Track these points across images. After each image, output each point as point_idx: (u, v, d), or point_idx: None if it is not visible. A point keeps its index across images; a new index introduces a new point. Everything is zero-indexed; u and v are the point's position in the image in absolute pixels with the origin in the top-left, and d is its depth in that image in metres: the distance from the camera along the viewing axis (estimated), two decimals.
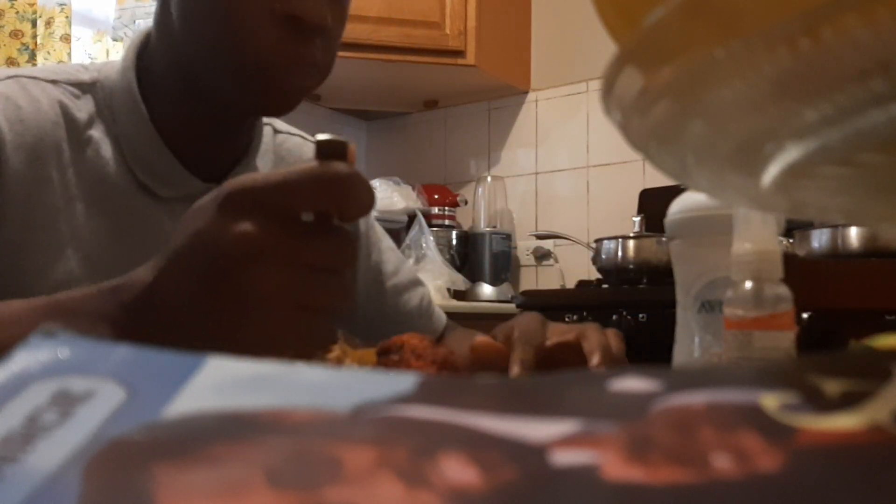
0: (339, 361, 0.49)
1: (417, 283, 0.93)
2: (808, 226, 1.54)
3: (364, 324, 0.89)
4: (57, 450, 0.17)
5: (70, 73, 0.71)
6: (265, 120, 0.82)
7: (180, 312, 0.41)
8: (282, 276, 0.40)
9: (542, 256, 2.60)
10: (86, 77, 0.71)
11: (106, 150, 0.69)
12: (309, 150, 0.85)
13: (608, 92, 0.21)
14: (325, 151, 0.42)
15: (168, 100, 0.70)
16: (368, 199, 0.42)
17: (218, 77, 0.67)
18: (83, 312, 0.43)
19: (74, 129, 0.68)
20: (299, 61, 0.66)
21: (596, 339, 0.61)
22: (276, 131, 0.84)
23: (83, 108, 0.69)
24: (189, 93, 0.70)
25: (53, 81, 0.69)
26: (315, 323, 0.42)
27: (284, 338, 0.41)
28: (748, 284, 0.54)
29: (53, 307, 0.45)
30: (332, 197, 0.41)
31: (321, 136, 0.43)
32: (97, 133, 0.69)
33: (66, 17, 2.20)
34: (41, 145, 0.66)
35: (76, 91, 0.70)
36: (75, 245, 0.66)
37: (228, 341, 0.40)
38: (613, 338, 0.63)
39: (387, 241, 0.92)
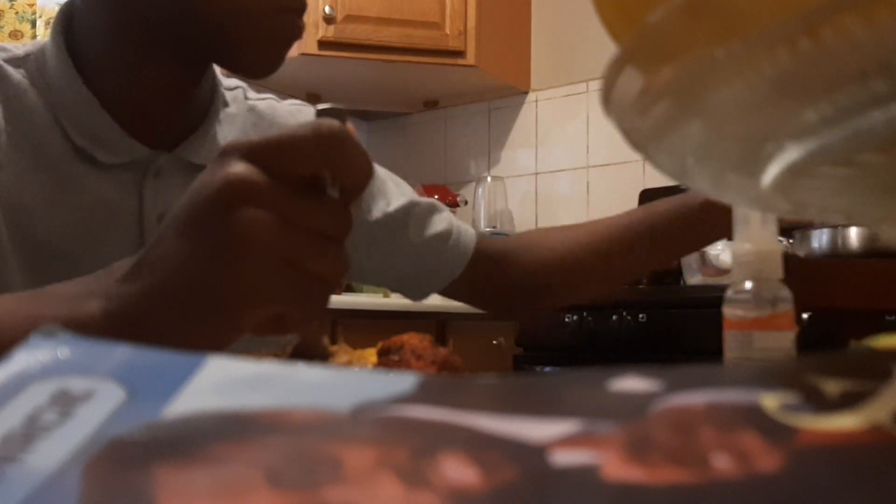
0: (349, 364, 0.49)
1: (434, 206, 0.88)
2: (808, 226, 1.54)
3: (406, 274, 0.87)
4: (57, 450, 0.17)
5: (3, 48, 0.70)
6: (234, 83, 0.79)
7: (170, 272, 0.40)
8: (271, 225, 0.38)
9: None
10: (19, 52, 0.70)
11: (42, 118, 0.67)
12: (282, 111, 0.82)
13: (608, 92, 0.21)
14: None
15: (105, 63, 0.68)
16: (366, 164, 0.41)
17: (201, 41, 0.64)
18: (74, 292, 0.42)
19: (6, 99, 0.67)
20: (297, 34, 0.66)
21: None
22: (246, 97, 0.81)
23: (16, 79, 0.68)
24: (135, 56, 0.67)
25: None
26: (306, 284, 0.40)
27: (271, 291, 0.39)
28: (748, 284, 0.54)
29: (42, 293, 0.44)
30: (328, 155, 0.40)
31: (321, 106, 0.43)
32: (32, 102, 0.67)
33: None
34: None
35: (8, 65, 0.68)
36: (9, 216, 0.65)
37: (217, 296, 0.39)
38: None
39: (391, 185, 0.87)
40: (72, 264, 0.66)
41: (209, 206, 0.39)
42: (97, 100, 0.67)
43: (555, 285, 0.88)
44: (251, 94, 0.81)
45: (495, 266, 0.88)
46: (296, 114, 0.83)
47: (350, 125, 0.42)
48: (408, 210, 0.86)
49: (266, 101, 0.82)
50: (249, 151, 0.39)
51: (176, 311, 0.40)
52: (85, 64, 0.68)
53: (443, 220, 0.88)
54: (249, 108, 0.79)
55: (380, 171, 0.87)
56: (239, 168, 0.39)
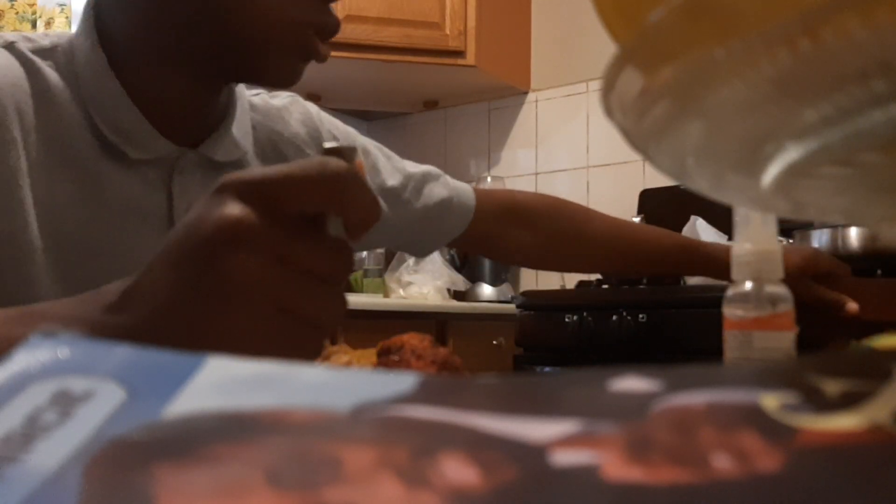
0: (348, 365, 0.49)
1: (427, 174, 0.93)
2: (808, 226, 1.54)
3: (409, 243, 0.93)
4: (57, 450, 0.17)
5: (29, 38, 0.69)
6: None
7: (158, 308, 0.39)
8: (266, 270, 0.37)
9: None
10: (45, 42, 0.69)
11: (72, 113, 0.67)
12: (276, 105, 0.84)
13: (608, 92, 0.21)
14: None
15: (134, 62, 0.68)
16: (373, 204, 0.40)
17: (224, 50, 0.65)
18: (59, 315, 0.41)
19: (37, 92, 0.66)
20: (317, 55, 0.68)
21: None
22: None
23: (46, 72, 0.67)
24: (162, 58, 0.67)
25: (10, 45, 0.67)
26: (298, 331, 0.39)
27: (261, 338, 0.38)
28: (748, 284, 0.54)
29: (27, 313, 0.43)
30: (331, 195, 0.39)
31: (328, 144, 0.42)
32: (61, 97, 0.67)
33: (67, 17, 2.19)
34: (0, 107, 0.64)
35: (36, 56, 0.67)
36: (38, 212, 0.64)
37: (205, 339, 0.37)
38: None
39: (382, 160, 0.91)
40: (101, 262, 0.66)
41: (201, 248, 0.38)
42: (129, 97, 0.67)
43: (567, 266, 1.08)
44: (247, 89, 0.83)
45: (517, 222, 0.95)
46: (289, 107, 0.85)
47: (359, 161, 0.41)
48: (405, 185, 0.90)
49: (259, 97, 0.83)
50: (246, 189, 0.38)
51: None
52: (114, 60, 0.68)
53: (440, 185, 0.92)
54: (250, 104, 0.80)
55: (368, 145, 0.91)
56: (234, 209, 0.37)
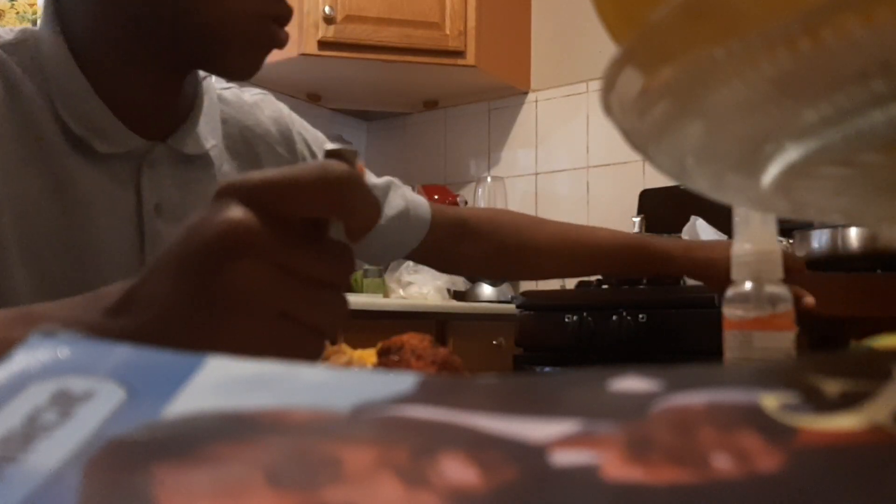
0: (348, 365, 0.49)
1: (390, 184, 0.94)
2: (808, 226, 1.54)
3: (369, 252, 0.93)
4: (57, 450, 0.17)
5: None
6: (202, 73, 0.79)
7: (159, 314, 0.39)
8: (268, 277, 0.37)
9: None
10: (10, 37, 0.69)
11: (39, 107, 0.67)
12: (248, 101, 0.84)
13: (608, 92, 0.21)
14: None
15: (97, 55, 0.67)
16: (374, 208, 0.40)
17: (185, 43, 0.66)
18: (59, 317, 0.41)
19: (7, 86, 0.66)
20: (278, 42, 0.68)
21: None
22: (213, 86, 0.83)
23: (11, 67, 0.67)
24: (124, 51, 0.67)
25: None
26: (299, 336, 0.39)
27: (263, 344, 0.38)
28: (748, 284, 0.54)
29: (26, 314, 0.42)
30: (335, 200, 0.39)
31: (329, 146, 0.42)
32: (28, 91, 0.67)
33: None
34: None
35: (2, 51, 0.67)
36: (10, 205, 0.64)
37: (205, 344, 0.36)
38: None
39: None
40: (71, 255, 0.66)
41: (205, 254, 0.38)
42: (94, 90, 0.67)
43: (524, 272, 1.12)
44: (217, 83, 0.82)
45: (465, 236, 0.97)
46: (259, 104, 0.84)
47: (360, 165, 0.41)
48: None
49: (231, 91, 0.83)
50: (249, 194, 0.38)
51: None
52: (77, 53, 0.68)
53: (399, 196, 0.93)
54: (219, 97, 0.80)
55: None
56: (237, 214, 0.37)
